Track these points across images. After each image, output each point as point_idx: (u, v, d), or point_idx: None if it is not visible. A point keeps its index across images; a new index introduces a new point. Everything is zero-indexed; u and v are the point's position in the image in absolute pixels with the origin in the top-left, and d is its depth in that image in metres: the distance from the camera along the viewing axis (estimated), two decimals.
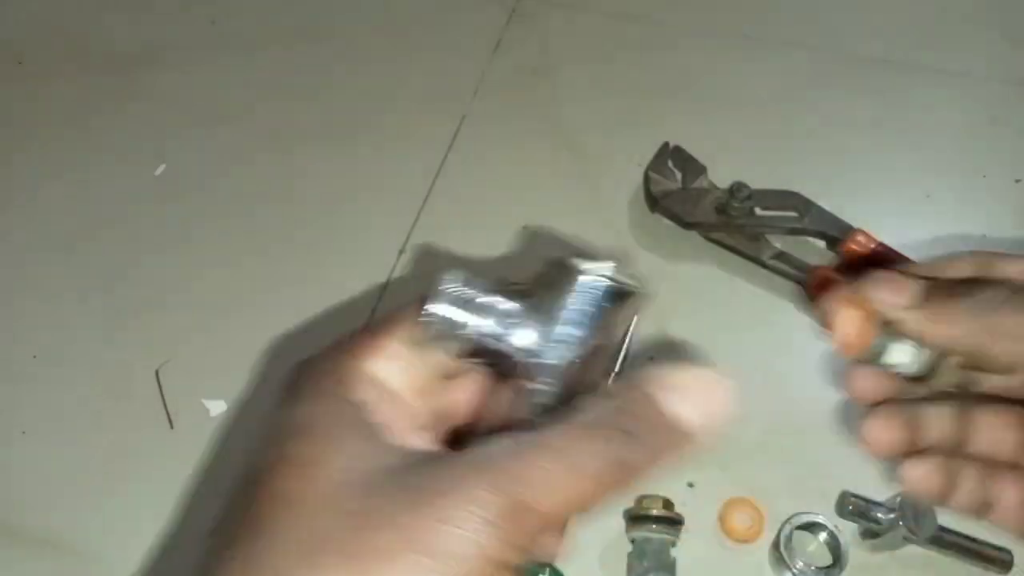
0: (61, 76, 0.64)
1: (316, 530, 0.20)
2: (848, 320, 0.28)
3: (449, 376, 0.25)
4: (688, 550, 0.42)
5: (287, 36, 0.65)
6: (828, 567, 0.41)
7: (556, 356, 0.22)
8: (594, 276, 0.22)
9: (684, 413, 0.21)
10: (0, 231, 0.56)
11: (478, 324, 0.22)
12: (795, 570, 0.41)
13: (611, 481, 0.20)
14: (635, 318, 0.44)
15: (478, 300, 0.22)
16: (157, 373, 0.49)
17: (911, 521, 0.40)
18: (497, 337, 0.22)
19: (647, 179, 0.54)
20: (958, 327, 0.26)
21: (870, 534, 0.42)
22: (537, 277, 0.23)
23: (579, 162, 0.57)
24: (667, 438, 0.21)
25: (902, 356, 0.28)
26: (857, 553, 0.42)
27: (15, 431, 0.47)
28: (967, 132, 0.58)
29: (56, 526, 0.44)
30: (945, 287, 0.27)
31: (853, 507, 0.42)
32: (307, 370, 0.23)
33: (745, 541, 0.42)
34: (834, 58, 0.62)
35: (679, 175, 0.54)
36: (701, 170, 0.54)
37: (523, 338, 0.22)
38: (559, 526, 0.22)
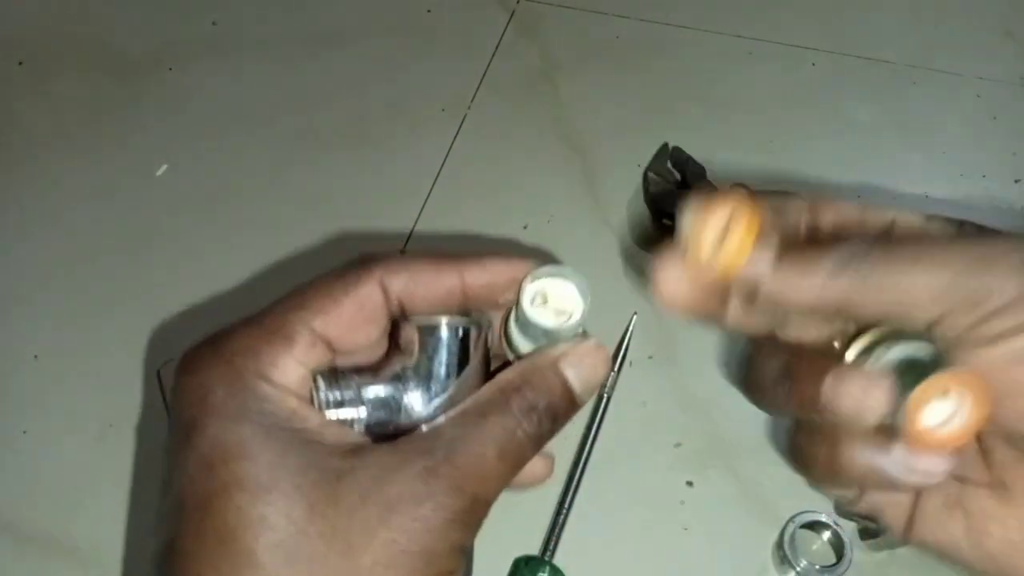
0: (61, 77, 0.64)
1: (299, 555, 0.20)
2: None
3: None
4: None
5: (287, 38, 0.65)
6: (832, 566, 0.41)
7: (441, 403, 0.24)
8: (434, 326, 0.24)
9: (571, 377, 0.24)
10: (0, 232, 0.56)
11: (370, 410, 0.24)
12: (799, 569, 0.41)
13: (526, 452, 0.23)
14: (634, 317, 0.45)
15: (360, 392, 0.24)
16: (159, 373, 0.49)
17: None
18: (390, 412, 0.24)
19: (646, 179, 0.54)
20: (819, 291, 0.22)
21: (868, 533, 0.42)
22: (384, 354, 0.25)
23: (579, 162, 0.57)
24: (563, 403, 0.23)
25: None
26: (857, 552, 0.42)
27: (16, 431, 0.48)
28: (967, 132, 0.58)
29: (56, 525, 0.44)
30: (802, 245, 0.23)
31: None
32: (212, 383, 0.22)
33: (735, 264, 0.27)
34: (833, 59, 0.62)
35: (678, 175, 0.54)
36: (700, 170, 0.54)
37: (414, 402, 0.24)
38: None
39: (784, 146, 0.57)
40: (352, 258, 0.25)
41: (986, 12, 0.65)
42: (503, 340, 0.26)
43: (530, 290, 0.25)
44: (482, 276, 0.25)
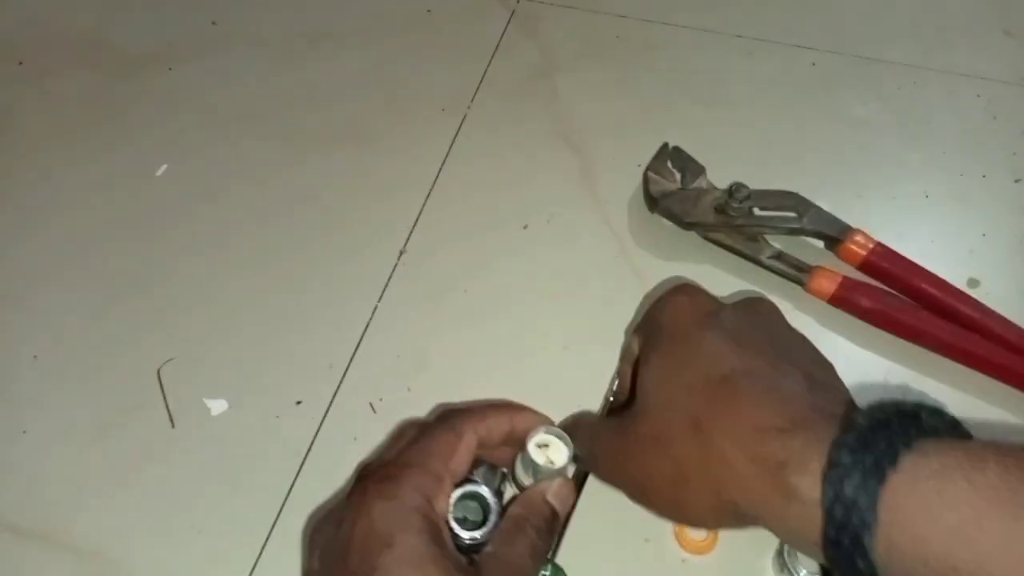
0: (61, 76, 0.64)
1: None
2: None
3: None
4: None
5: (287, 37, 0.65)
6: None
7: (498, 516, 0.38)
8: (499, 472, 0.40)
9: (554, 503, 0.38)
10: None
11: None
12: None
13: (542, 553, 0.37)
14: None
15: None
16: (159, 372, 0.49)
17: None
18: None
19: (646, 179, 0.54)
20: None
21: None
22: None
23: (579, 162, 0.57)
24: (552, 519, 0.38)
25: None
26: None
27: (16, 430, 0.48)
28: (967, 132, 0.58)
29: (56, 524, 0.44)
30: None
31: None
32: (406, 511, 0.34)
33: (700, 552, 0.42)
34: (833, 58, 0.62)
35: (678, 175, 0.54)
36: (700, 170, 0.54)
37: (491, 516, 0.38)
38: None
39: (783, 146, 0.58)
40: (447, 411, 0.40)
41: (986, 11, 0.65)
42: (512, 471, 0.40)
43: (534, 441, 0.38)
44: (524, 423, 0.39)
